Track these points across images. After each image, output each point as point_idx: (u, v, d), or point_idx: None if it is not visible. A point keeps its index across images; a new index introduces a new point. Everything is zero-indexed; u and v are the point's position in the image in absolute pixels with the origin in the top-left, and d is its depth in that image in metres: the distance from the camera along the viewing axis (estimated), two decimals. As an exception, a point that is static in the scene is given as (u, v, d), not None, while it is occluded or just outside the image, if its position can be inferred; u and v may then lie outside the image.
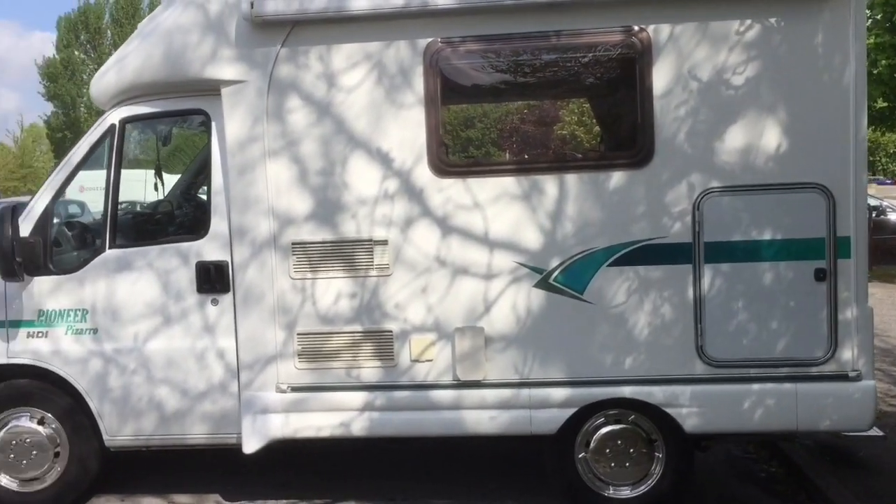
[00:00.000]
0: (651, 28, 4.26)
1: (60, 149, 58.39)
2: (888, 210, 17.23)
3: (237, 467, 5.13)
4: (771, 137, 4.23)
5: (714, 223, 4.27)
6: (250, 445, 4.57)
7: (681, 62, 4.26)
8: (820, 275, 4.22)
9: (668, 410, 4.36)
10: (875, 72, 13.26)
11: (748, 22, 4.23)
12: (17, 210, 4.53)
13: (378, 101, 4.42)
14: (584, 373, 4.41)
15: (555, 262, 4.39)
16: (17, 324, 4.70)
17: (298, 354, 4.53)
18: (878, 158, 52.49)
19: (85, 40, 53.67)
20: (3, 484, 4.79)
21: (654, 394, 4.36)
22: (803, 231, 4.22)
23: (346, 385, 4.54)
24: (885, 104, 14.56)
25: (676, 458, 4.50)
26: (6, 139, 63.19)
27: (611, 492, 4.53)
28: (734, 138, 4.25)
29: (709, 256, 4.29)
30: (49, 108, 57.58)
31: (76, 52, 52.67)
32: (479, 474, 5.26)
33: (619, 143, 4.94)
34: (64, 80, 57.37)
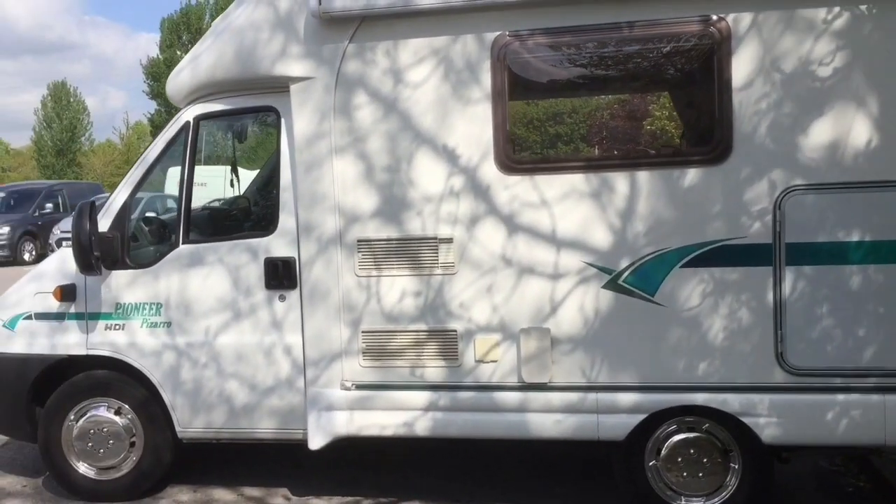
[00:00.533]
0: (731, 17, 4.05)
1: (164, 146, 60.59)
2: None
3: (305, 462, 5.17)
4: (860, 132, 3.96)
5: (797, 223, 4.03)
6: (316, 442, 4.57)
7: (762, 53, 4.03)
8: (912, 279, 3.93)
9: (745, 420, 4.14)
10: None
11: (836, 9, 3.96)
12: (95, 205, 4.66)
13: (445, 97, 4.35)
14: (655, 378, 4.24)
15: (625, 263, 4.22)
16: (95, 316, 4.84)
17: (363, 352, 4.52)
18: None
19: (187, 40, 55.51)
20: (81, 471, 4.95)
21: (730, 402, 4.15)
22: (894, 232, 3.93)
23: (410, 384, 4.49)
24: None
25: (754, 469, 4.27)
26: (113, 136, 66.10)
27: (683, 502, 4.34)
28: (820, 133, 4.00)
29: (791, 258, 4.05)
30: (153, 106, 59.95)
31: (178, 52, 54.63)
32: (545, 479, 5.14)
33: (697, 137, 4.73)
34: (167, 79, 59.38)
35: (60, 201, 22.97)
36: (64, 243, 18.85)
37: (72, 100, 68.37)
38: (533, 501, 4.79)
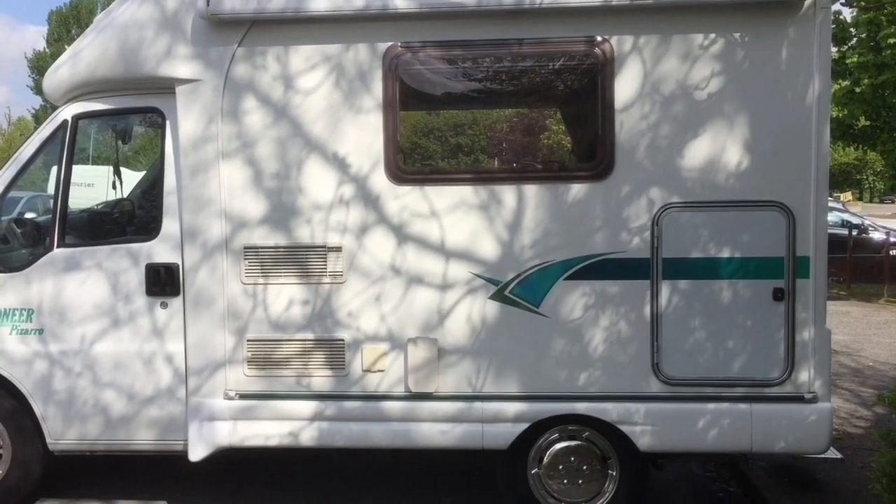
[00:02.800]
0: (614, 39, 4.19)
1: (48, 143, 58.01)
2: (870, 229, 17.26)
3: (186, 474, 5.02)
4: (732, 154, 4.17)
5: (673, 239, 4.20)
6: (196, 453, 4.45)
7: (643, 75, 4.19)
8: (778, 294, 4.15)
9: (623, 428, 4.28)
10: (858, 90, 13.31)
11: (712, 36, 4.16)
12: (-39, 206, 4.42)
13: (336, 105, 4.33)
14: (538, 388, 4.32)
15: (511, 274, 4.30)
16: (-40, 322, 4.58)
17: (248, 361, 4.43)
18: (865, 177, 52.78)
19: (76, 34, 53.35)
20: (-59, 486, 4.66)
21: (609, 411, 4.28)
22: (762, 249, 4.16)
23: (296, 393, 4.43)
24: (868, 122, 14.59)
25: (630, 476, 4.41)
26: (-7, 132, 62.81)
27: (562, 510, 4.44)
28: (695, 154, 4.19)
29: (667, 273, 4.21)
30: (38, 101, 57.32)
31: (66, 46, 52.42)
32: (432, 488, 5.17)
33: (582, 154, 4.87)
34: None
35: (-70, 198, 21.58)
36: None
37: (-52, 91, 64.58)
38: (418, 510, 4.80)
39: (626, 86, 4.19)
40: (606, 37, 4.19)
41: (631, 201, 4.23)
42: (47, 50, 53.14)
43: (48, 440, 4.61)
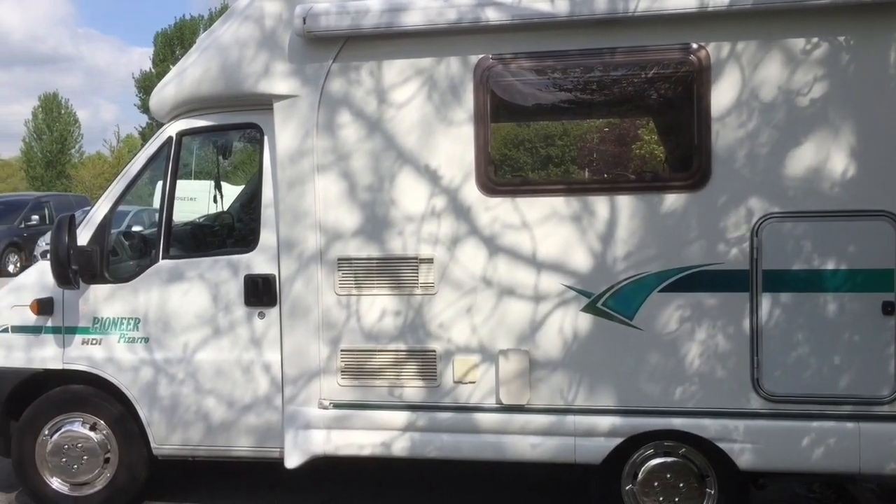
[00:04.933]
0: (711, 46, 4.10)
1: (153, 160, 60.60)
2: None
3: (282, 481, 5.13)
4: (837, 161, 4.00)
5: (774, 250, 4.06)
6: (292, 460, 4.54)
7: (742, 81, 4.08)
8: (888, 308, 3.95)
9: (721, 445, 4.15)
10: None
11: (815, 40, 4.02)
12: (74, 219, 4.65)
13: (428, 118, 4.38)
14: (633, 402, 4.24)
15: (604, 286, 4.24)
16: (73, 330, 4.81)
17: (341, 371, 4.50)
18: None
19: (180, 55, 55.67)
20: (54, 487, 4.89)
21: (706, 427, 4.16)
22: (870, 261, 3.97)
23: (389, 404, 4.48)
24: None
25: (729, 494, 4.27)
26: (103, 149, 66.03)
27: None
28: (797, 162, 4.04)
29: (767, 285, 4.07)
30: (144, 119, 60.04)
31: (171, 66, 54.68)
32: (522, 501, 5.12)
33: (677, 163, 4.77)
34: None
35: (47, 213, 22.84)
36: (47, 255, 18.79)
37: (63, 111, 68.28)
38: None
39: (723, 93, 4.09)
40: (703, 44, 4.10)
41: (728, 211, 4.11)
42: (153, 70, 55.58)
43: (153, 445, 4.78)
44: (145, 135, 61.61)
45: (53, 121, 67.04)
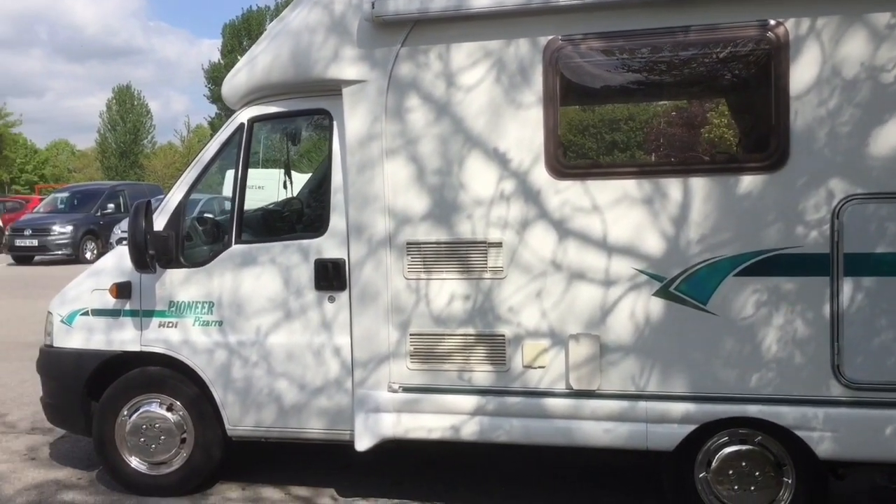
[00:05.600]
0: (789, 22, 3.96)
1: (222, 149, 61.96)
2: None
3: (352, 463, 5.19)
4: (925, 140, 3.83)
5: (856, 233, 3.92)
6: (362, 443, 4.59)
7: (822, 58, 3.93)
8: (978, 292, 3.78)
9: (799, 433, 4.04)
10: None
11: (901, 13, 3.85)
12: (150, 205, 4.76)
13: (497, 101, 4.34)
14: (707, 388, 4.15)
15: (677, 270, 4.16)
16: (150, 313, 4.94)
17: (411, 355, 4.52)
18: None
19: (247, 45, 56.57)
20: (133, 466, 5.04)
21: (784, 415, 4.05)
22: (959, 243, 3.80)
23: (458, 388, 4.48)
24: None
25: (808, 484, 4.15)
26: (174, 139, 67.72)
27: (732, 516, 4.24)
28: (881, 141, 3.88)
29: (849, 269, 3.93)
30: (213, 110, 61.37)
31: (239, 57, 55.72)
32: (591, 486, 5.08)
33: (753, 144, 4.63)
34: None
35: (122, 202, 23.57)
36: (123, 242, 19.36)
37: (135, 103, 70.25)
38: (579, 510, 4.73)
39: (802, 71, 3.95)
40: (781, 20, 3.96)
41: (808, 193, 3.98)
42: (222, 61, 56.68)
43: (227, 426, 4.88)
44: (215, 125, 62.92)
45: (127, 112, 69.02)
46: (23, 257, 22.31)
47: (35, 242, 21.66)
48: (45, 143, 78.56)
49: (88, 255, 22.04)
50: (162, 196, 23.32)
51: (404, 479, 5.25)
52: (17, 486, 5.24)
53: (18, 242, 21.89)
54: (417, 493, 5.00)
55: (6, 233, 23.64)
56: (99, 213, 22.94)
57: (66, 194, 24.94)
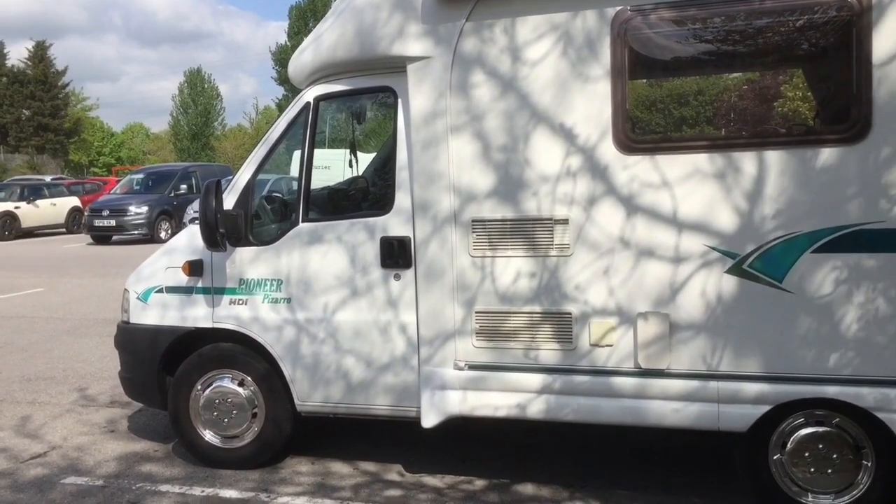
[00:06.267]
0: (872, -15, 3.77)
1: (290, 130, 62.90)
2: None
3: (419, 440, 5.22)
4: None
5: (943, 206, 3.73)
6: (429, 420, 4.61)
7: (908, 23, 3.74)
8: None
9: (880, 416, 3.89)
10: None
11: None
12: (221, 184, 4.84)
13: (563, 75, 4.26)
14: (781, 368, 4.03)
15: (751, 247, 4.03)
16: (221, 291, 5.03)
17: (476, 332, 4.50)
18: None
19: (313, 27, 57.00)
20: (207, 439, 5.17)
21: (864, 396, 3.91)
22: None
23: (524, 366, 4.45)
24: None
25: (889, 468, 4.01)
26: (243, 121, 68.93)
27: (809, 499, 4.12)
28: (972, 109, 3.68)
29: (936, 244, 3.76)
30: (281, 91, 62.19)
31: (305, 39, 56.44)
32: (661, 467, 5.00)
33: (832, 116, 4.45)
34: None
35: (194, 182, 24.13)
36: (195, 221, 19.82)
37: (206, 86, 71.73)
38: (648, 490, 4.66)
39: (886, 37, 3.76)
40: (863, -16, 3.78)
41: (891, 165, 3.80)
42: (288, 43, 57.36)
43: (296, 401, 4.96)
44: (282, 106, 63.79)
45: (198, 95, 70.54)
46: (101, 237, 23.08)
47: (112, 223, 22.38)
48: (120, 126, 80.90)
49: (163, 235, 22.65)
50: (232, 177, 23.83)
51: (470, 456, 5.25)
52: (97, 458, 5.43)
53: (97, 223, 22.64)
54: (483, 471, 5.01)
55: (85, 214, 24.46)
56: (172, 194, 23.54)
57: (140, 176, 25.67)
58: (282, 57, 62.12)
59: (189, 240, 5.18)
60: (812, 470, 4.09)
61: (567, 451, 5.34)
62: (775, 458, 4.16)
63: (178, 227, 22.38)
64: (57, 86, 58.60)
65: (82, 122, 62.45)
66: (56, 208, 27.81)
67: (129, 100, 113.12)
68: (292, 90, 63.33)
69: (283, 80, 63.22)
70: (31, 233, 26.73)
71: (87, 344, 9.10)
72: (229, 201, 4.91)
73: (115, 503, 4.68)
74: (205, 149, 68.29)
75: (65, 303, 12.18)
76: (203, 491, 4.82)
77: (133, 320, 5.31)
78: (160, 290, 5.19)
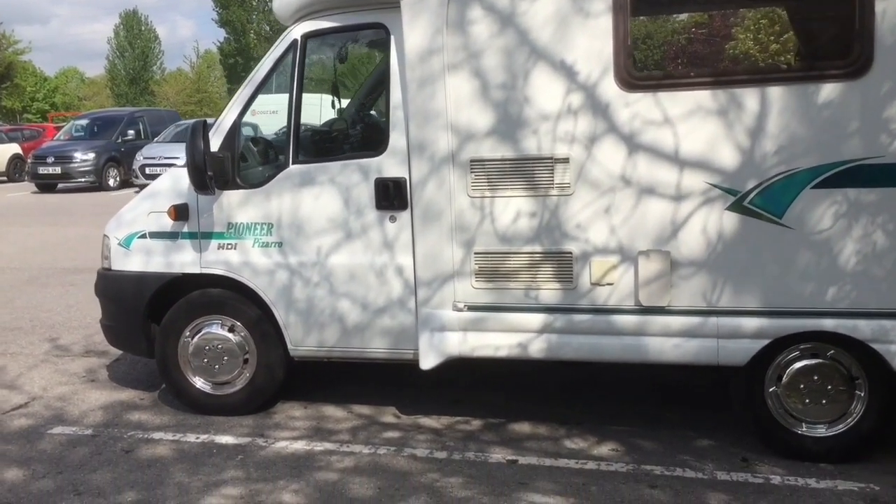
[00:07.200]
0: (878, -83, 3.76)
1: (232, 74, 61.42)
2: None
3: (411, 381, 5.22)
4: None
5: (943, 141, 3.79)
6: (428, 361, 4.59)
7: (912, -44, 3.75)
8: None
9: (876, 346, 4.00)
10: None
11: None
12: (207, 125, 4.67)
13: (563, 10, 4.18)
14: (780, 302, 4.10)
15: (752, 184, 4.06)
16: (208, 235, 4.90)
17: (475, 273, 4.48)
18: None
19: (252, -31, 55.56)
20: (198, 386, 5.09)
21: (860, 328, 4.00)
22: None
23: (524, 306, 4.45)
24: None
25: (881, 397, 4.13)
26: (184, 65, 67.06)
27: (804, 429, 4.24)
28: (973, 44, 3.72)
29: (935, 178, 3.83)
30: (222, 34, 60.55)
31: (245, -20, 54.78)
32: (654, 404, 5.10)
33: (834, 51, 4.46)
34: (235, 7, 59.93)
35: (142, 128, 23.43)
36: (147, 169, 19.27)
37: (143, 28, 69.34)
38: (644, 426, 4.75)
39: (891, -29, 3.77)
40: (869, -85, 3.76)
41: (892, 100, 3.84)
42: (228, -17, 55.59)
43: (289, 346, 4.90)
44: (224, 49, 62.16)
45: (134, 38, 68.22)
46: (46, 185, 22.33)
47: (58, 170, 21.64)
48: (53, 71, 78.00)
49: (111, 183, 22.06)
50: (182, 122, 23.19)
51: (462, 398, 5.28)
52: (82, 408, 5.31)
53: (41, 170, 21.88)
54: (477, 411, 5.04)
55: (28, 161, 23.61)
56: (120, 140, 22.82)
57: (84, 122, 24.78)
58: (222, -1, 60.34)
59: (173, 183, 5.02)
60: (807, 401, 4.20)
61: (558, 390, 5.40)
62: (771, 390, 4.26)
63: (126, 174, 21.77)
64: (-14, 28, 55.94)
65: (14, 66, 59.84)
66: (-5, 156, 26.81)
67: (61, 43, 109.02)
68: (234, 33, 61.62)
69: (223, 21, 61.42)
70: (-31, 181, 25.76)
71: (49, 293, 8.85)
72: (215, 142, 4.75)
73: (109, 452, 4.59)
74: (144, 93, 66.31)
75: (18, 252, 11.80)
76: (198, 437, 4.76)
77: (115, 267, 5.16)
78: (143, 236, 5.04)
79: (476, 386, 5.45)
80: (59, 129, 29.02)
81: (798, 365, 4.20)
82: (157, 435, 4.82)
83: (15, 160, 27.14)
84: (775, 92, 3.99)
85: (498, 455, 4.43)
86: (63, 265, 10.55)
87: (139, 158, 20.32)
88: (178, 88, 63.80)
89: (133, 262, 5.07)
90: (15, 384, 5.80)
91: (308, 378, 5.53)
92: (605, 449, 4.48)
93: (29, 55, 65.24)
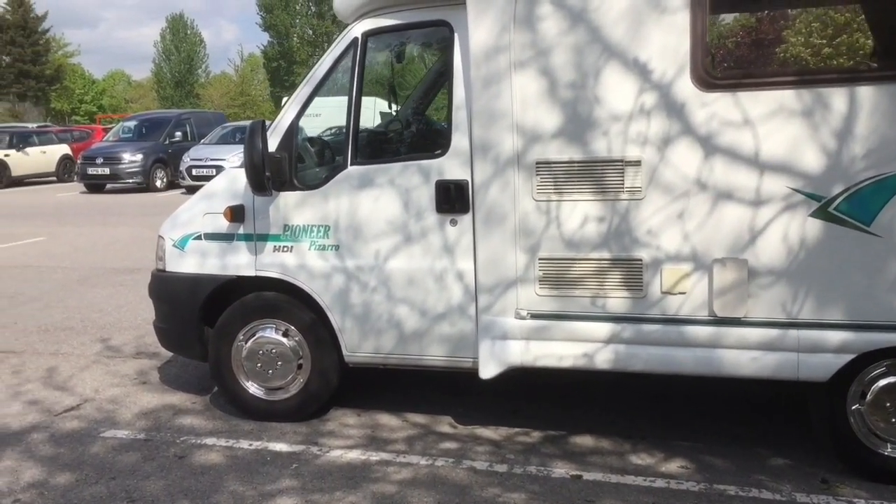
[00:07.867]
0: None
1: (275, 77, 62.11)
2: None
3: (466, 391, 5.06)
4: None
5: None
6: (488, 371, 4.43)
7: None
8: None
9: (970, 364, 3.75)
10: None
11: None
12: (265, 125, 4.57)
13: (637, 6, 3.99)
14: (867, 315, 3.87)
15: (837, 189, 3.83)
16: (264, 237, 4.79)
17: (540, 280, 4.30)
18: None
19: (297, -27, 56.06)
20: (251, 391, 4.98)
21: (953, 344, 3.76)
22: None
23: (591, 315, 4.26)
24: None
25: (975, 419, 3.89)
26: (228, 68, 67.84)
27: (889, 450, 3.99)
28: None
29: None
30: (265, 38, 61.18)
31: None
32: (722, 419, 4.87)
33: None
34: (279, 11, 60.57)
35: (188, 130, 23.63)
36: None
37: (189, 32, 70.42)
38: (712, 442, 4.53)
39: None
40: None
41: None
42: (271, -12, 56.21)
43: (344, 352, 4.77)
44: (267, 53, 62.83)
45: (180, 42, 69.31)
46: (94, 185, 22.62)
47: (107, 171, 21.91)
48: (101, 73, 79.46)
49: (158, 184, 22.28)
50: (227, 124, 23.37)
51: (520, 408, 5.11)
52: (134, 411, 5.24)
53: (90, 171, 22.17)
54: (537, 423, 4.86)
55: (77, 162, 23.95)
56: (167, 142, 23.04)
57: (133, 123, 25.06)
58: (266, 2, 60.98)
59: (229, 184, 4.92)
60: (893, 420, 3.96)
61: (617, 403, 5.19)
62: (854, 408, 4.02)
63: (173, 175, 21.97)
64: (37, 31, 57.22)
65: (63, 68, 61.11)
66: (46, 156, 27.22)
67: (109, 46, 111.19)
68: (277, 36, 62.15)
69: (267, 26, 62.06)
70: (21, 181, 26.16)
71: (100, 293, 8.86)
72: (272, 143, 4.64)
73: (161, 457, 4.50)
74: (189, 96, 67.26)
75: (69, 252, 11.89)
76: (251, 444, 4.65)
77: (169, 268, 5.07)
78: (198, 237, 4.95)
79: (533, 396, 5.26)
80: (107, 130, 29.46)
81: (884, 382, 3.96)
82: (209, 440, 4.72)
83: (65, 161, 27.59)
84: (865, 92, 3.76)
85: (561, 470, 4.25)
86: (113, 265, 10.59)
87: (186, 160, 20.46)
88: (222, 91, 64.60)
89: (187, 263, 4.99)
90: (67, 385, 5.75)
91: (359, 384, 5.39)
92: (673, 466, 4.28)
93: (78, 58, 66.83)
